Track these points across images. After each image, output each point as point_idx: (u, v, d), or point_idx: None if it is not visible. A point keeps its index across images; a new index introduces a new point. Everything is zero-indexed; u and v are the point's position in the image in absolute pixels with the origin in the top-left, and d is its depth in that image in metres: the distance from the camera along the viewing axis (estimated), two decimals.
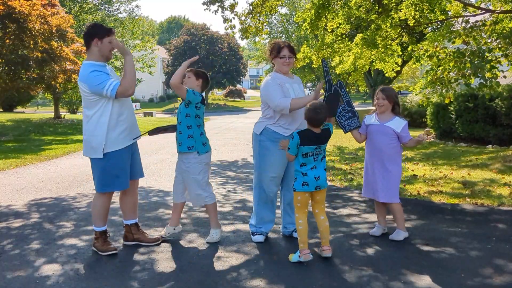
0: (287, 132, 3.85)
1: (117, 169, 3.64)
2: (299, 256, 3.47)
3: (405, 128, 3.97)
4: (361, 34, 10.75)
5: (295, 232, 4.01)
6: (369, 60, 11.88)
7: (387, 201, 3.99)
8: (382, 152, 3.97)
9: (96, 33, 3.57)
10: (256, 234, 3.98)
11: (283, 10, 35.38)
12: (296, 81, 4.04)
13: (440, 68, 7.65)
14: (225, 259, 3.55)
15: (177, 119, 3.97)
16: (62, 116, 23.16)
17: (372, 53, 11.13)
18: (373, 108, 4.27)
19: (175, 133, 3.99)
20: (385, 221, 4.18)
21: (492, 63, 6.98)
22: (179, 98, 4.03)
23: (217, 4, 10.12)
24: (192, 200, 3.99)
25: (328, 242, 3.57)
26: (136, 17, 31.23)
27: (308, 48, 12.55)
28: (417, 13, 9.69)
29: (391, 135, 3.96)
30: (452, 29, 9.25)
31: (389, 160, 3.97)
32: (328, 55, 12.31)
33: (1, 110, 31.64)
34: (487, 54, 7.24)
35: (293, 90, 3.90)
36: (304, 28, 11.23)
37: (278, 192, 4.11)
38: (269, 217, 4.02)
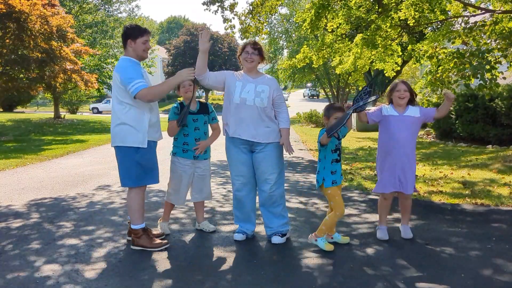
0: (229, 133, 3.92)
1: (152, 161, 3.80)
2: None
3: (422, 108, 4.00)
4: (361, 34, 10.75)
5: (271, 237, 3.95)
6: (369, 60, 11.88)
7: (412, 192, 4.03)
8: (407, 143, 3.93)
9: (130, 34, 3.75)
10: (235, 233, 4.06)
11: (283, 10, 35.38)
12: (260, 82, 3.86)
13: (440, 68, 7.65)
14: (225, 259, 3.55)
15: (199, 129, 4.14)
16: (62, 116, 23.18)
17: (372, 53, 11.13)
18: (376, 105, 4.28)
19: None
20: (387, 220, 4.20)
21: (491, 64, 6.98)
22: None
23: (217, 4, 10.12)
24: (207, 197, 4.30)
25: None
26: (136, 17, 31.23)
27: (308, 48, 12.56)
28: (417, 13, 9.69)
29: (413, 124, 3.94)
30: (452, 29, 9.26)
31: (412, 149, 3.99)
32: (328, 55, 12.31)
33: (1, 110, 31.64)
34: (486, 54, 7.24)
35: (245, 89, 3.80)
36: (304, 28, 11.23)
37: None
38: (242, 217, 4.04)
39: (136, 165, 3.69)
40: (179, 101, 4.14)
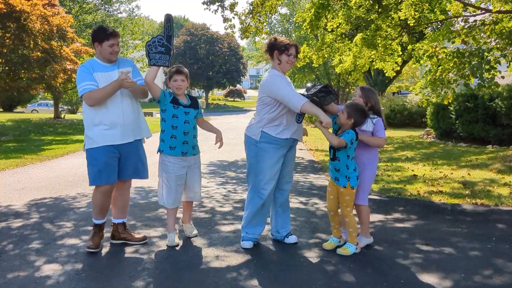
0: (284, 134, 3.70)
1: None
2: (356, 248, 3.67)
3: (377, 124, 3.73)
4: (361, 34, 10.75)
5: (287, 237, 3.93)
6: (369, 60, 11.88)
7: (363, 204, 3.79)
8: (361, 153, 3.76)
9: (96, 37, 3.70)
10: (244, 240, 3.84)
11: (283, 10, 35.41)
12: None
13: (440, 68, 7.66)
14: (225, 259, 3.55)
15: (189, 123, 3.84)
16: (62, 116, 23.18)
17: (372, 53, 11.14)
18: None
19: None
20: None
21: (491, 64, 6.98)
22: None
23: (217, 3, 10.13)
24: (195, 197, 4.08)
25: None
26: (136, 17, 31.23)
27: (308, 48, 12.55)
28: (417, 13, 9.69)
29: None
30: (452, 29, 9.26)
31: (368, 159, 3.79)
32: (328, 54, 12.31)
33: (1, 110, 31.64)
34: (486, 54, 7.25)
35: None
36: (304, 28, 11.23)
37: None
38: (258, 220, 3.85)
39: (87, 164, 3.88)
40: (169, 91, 3.92)
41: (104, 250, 3.75)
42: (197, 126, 4.05)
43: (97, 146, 3.66)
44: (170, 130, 3.82)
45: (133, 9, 45.03)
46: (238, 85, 54.99)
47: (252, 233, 3.85)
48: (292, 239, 3.92)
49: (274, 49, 3.82)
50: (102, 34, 3.69)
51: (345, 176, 3.63)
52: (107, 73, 3.70)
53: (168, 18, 3.66)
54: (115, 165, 3.73)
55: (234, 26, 10.60)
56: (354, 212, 3.86)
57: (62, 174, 7.72)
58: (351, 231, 3.67)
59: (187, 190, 4.01)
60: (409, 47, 11.20)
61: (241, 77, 51.31)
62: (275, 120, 3.70)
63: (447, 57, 7.62)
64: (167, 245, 3.86)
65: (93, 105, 3.62)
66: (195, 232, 4.14)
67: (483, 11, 8.85)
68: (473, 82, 7.51)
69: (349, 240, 3.68)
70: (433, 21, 10.39)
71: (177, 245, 3.87)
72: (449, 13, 10.41)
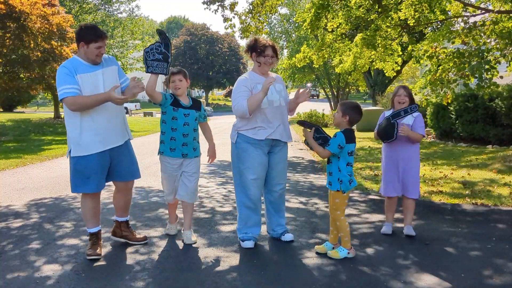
0: (260, 135, 3.72)
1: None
2: (348, 253, 3.57)
3: (417, 119, 4.05)
4: (361, 34, 10.75)
5: (283, 235, 3.94)
6: (369, 60, 11.88)
7: (416, 197, 4.11)
8: (405, 148, 4.04)
9: (83, 37, 3.50)
10: (245, 240, 3.82)
11: (283, 10, 35.41)
12: (277, 81, 3.84)
13: (440, 68, 7.66)
14: (225, 259, 3.55)
15: (188, 125, 3.87)
16: (62, 116, 23.19)
17: (372, 53, 11.14)
18: (381, 108, 4.29)
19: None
20: (393, 218, 4.32)
21: (491, 64, 6.98)
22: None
23: (217, 3, 10.14)
24: (191, 196, 3.94)
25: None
26: (136, 17, 31.24)
27: (308, 48, 12.55)
28: (416, 13, 9.69)
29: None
30: (452, 29, 9.26)
31: (412, 155, 4.06)
32: (328, 55, 12.31)
33: (1, 110, 31.65)
34: (486, 54, 7.25)
35: (271, 90, 3.72)
36: (304, 28, 11.23)
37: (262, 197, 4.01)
38: (253, 221, 3.86)
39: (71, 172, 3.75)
40: (170, 93, 3.96)
41: (104, 250, 3.75)
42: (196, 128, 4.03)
43: (87, 154, 3.51)
44: (170, 132, 3.86)
45: (133, 9, 45.11)
46: None
47: (251, 232, 3.86)
48: (288, 237, 3.93)
49: (252, 51, 3.82)
50: (90, 35, 3.48)
51: (337, 179, 3.57)
52: (91, 73, 3.53)
53: (160, 32, 3.67)
54: (106, 172, 3.64)
55: (234, 26, 10.62)
56: (347, 214, 3.89)
57: (62, 174, 7.72)
58: (342, 235, 3.59)
59: (182, 188, 3.91)
60: (409, 48, 11.21)
61: None
62: (250, 121, 3.74)
63: (447, 57, 7.62)
64: (165, 233, 4.18)
65: (76, 110, 3.46)
66: (194, 239, 3.97)
67: (483, 11, 8.85)
68: (473, 82, 7.50)
69: (341, 244, 3.60)
70: (433, 21, 10.39)
71: (176, 234, 4.16)
72: (449, 13, 10.41)
